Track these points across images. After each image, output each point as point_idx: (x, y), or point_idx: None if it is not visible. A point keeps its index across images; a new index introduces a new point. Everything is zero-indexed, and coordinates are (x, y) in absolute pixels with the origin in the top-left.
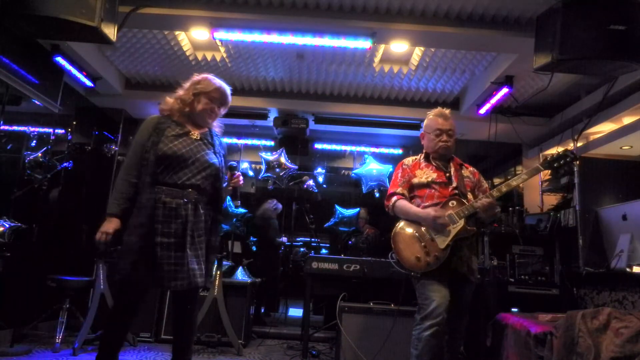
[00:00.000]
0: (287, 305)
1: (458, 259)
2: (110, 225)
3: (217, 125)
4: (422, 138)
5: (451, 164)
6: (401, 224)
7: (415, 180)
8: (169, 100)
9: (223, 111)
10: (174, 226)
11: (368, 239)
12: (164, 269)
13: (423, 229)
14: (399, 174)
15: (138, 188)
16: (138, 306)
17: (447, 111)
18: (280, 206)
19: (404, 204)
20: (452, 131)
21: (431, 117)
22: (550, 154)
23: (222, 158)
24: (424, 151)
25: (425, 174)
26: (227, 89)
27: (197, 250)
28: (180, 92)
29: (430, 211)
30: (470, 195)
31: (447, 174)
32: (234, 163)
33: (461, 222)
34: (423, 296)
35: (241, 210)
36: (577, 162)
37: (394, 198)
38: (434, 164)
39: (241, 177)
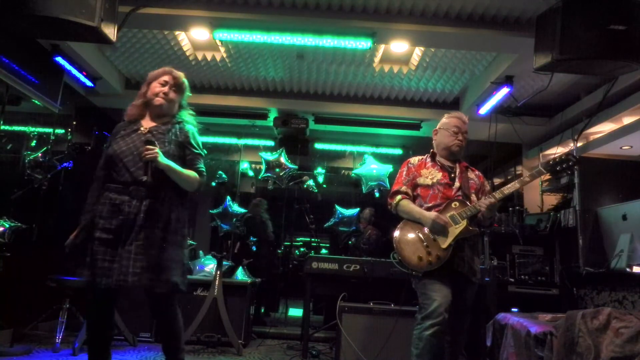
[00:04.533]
0: (287, 305)
1: (460, 259)
2: (75, 232)
3: (187, 114)
4: (434, 134)
5: (457, 166)
6: (403, 223)
7: (420, 180)
8: (129, 107)
9: (178, 96)
10: (114, 222)
11: (370, 240)
12: (97, 265)
13: (425, 229)
14: (404, 172)
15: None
16: (100, 303)
17: (465, 117)
18: (264, 201)
19: (407, 203)
20: (467, 134)
21: (451, 116)
22: (553, 156)
23: (173, 146)
24: (431, 150)
25: (431, 174)
26: (178, 73)
27: (139, 247)
28: None
29: (432, 213)
30: (473, 197)
31: (452, 175)
32: (152, 139)
33: (464, 223)
34: (424, 296)
35: (241, 210)
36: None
37: (398, 197)
38: (439, 164)
39: (155, 151)
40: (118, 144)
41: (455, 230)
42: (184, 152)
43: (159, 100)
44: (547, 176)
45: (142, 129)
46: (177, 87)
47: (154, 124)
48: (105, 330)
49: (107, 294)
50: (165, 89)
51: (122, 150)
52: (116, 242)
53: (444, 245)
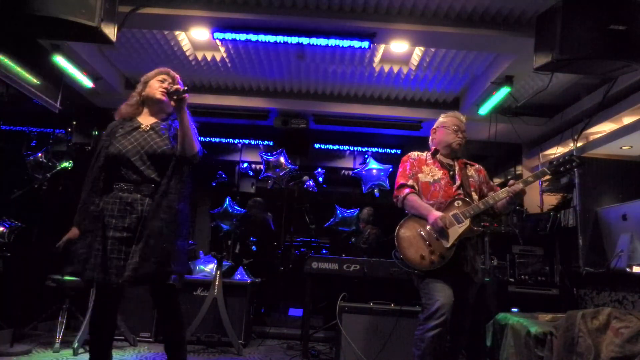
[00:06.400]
0: (287, 305)
1: (463, 259)
2: (69, 233)
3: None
4: (433, 132)
5: (456, 163)
6: (405, 221)
7: (421, 177)
8: (122, 105)
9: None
10: (127, 221)
11: (369, 239)
12: (112, 265)
13: (428, 227)
14: (407, 167)
15: (100, 192)
16: (109, 303)
17: (462, 116)
18: (261, 201)
19: (415, 198)
20: (465, 133)
21: (449, 115)
22: (553, 156)
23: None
24: (433, 148)
25: (431, 172)
26: (174, 72)
27: (149, 243)
28: None
29: (437, 213)
30: (474, 195)
31: (451, 173)
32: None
33: (467, 222)
34: (427, 296)
35: (241, 210)
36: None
37: (406, 190)
38: (439, 161)
39: (180, 86)
40: (121, 143)
41: (458, 230)
42: None
43: (159, 94)
44: (548, 176)
45: (142, 126)
46: (175, 81)
47: (153, 120)
48: (110, 329)
49: (117, 293)
50: (165, 84)
51: (127, 149)
52: (132, 240)
53: (447, 245)
